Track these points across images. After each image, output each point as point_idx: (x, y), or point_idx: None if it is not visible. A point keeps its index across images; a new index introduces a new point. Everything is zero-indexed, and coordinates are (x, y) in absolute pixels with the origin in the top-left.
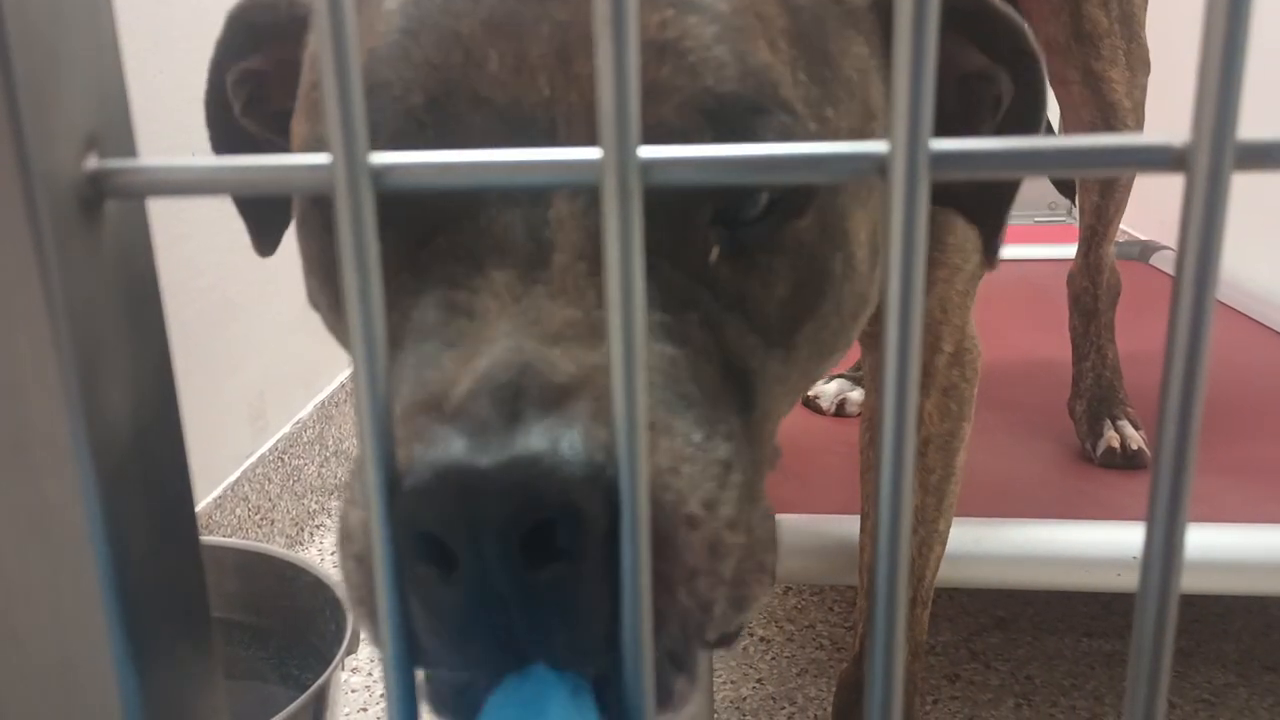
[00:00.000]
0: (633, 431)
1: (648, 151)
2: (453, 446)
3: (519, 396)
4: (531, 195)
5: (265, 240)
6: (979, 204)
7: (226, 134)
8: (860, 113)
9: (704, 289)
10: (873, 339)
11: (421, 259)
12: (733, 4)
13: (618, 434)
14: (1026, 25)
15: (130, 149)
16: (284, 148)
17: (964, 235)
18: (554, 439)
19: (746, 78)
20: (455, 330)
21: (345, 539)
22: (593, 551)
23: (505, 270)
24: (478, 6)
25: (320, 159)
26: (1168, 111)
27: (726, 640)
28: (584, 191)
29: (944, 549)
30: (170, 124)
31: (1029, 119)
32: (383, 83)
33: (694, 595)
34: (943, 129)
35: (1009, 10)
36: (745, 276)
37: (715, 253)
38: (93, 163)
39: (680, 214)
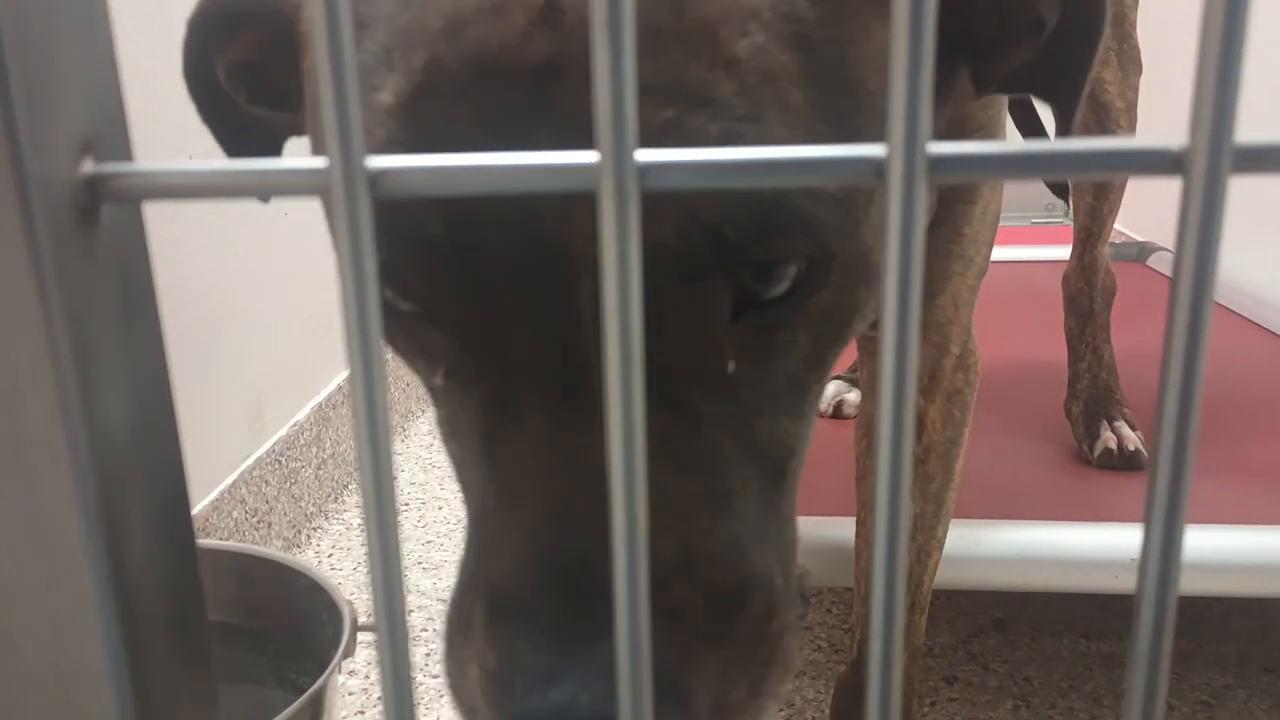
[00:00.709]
0: (630, 455)
1: (645, 155)
2: (544, 693)
3: (584, 598)
4: (554, 303)
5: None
6: (1051, 77)
7: (229, 125)
8: (881, 123)
9: (721, 373)
10: (872, 344)
11: (473, 389)
12: (741, 80)
13: (613, 490)
14: None
15: (127, 153)
16: (297, 122)
17: (980, 225)
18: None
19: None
20: (504, 491)
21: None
22: None
23: (540, 415)
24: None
25: (317, 163)
26: (1160, 112)
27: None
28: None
29: (941, 554)
30: (167, 127)
31: (1082, 41)
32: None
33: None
34: (975, 57)
35: None
36: (768, 354)
37: (731, 364)
38: (89, 167)
39: (697, 308)
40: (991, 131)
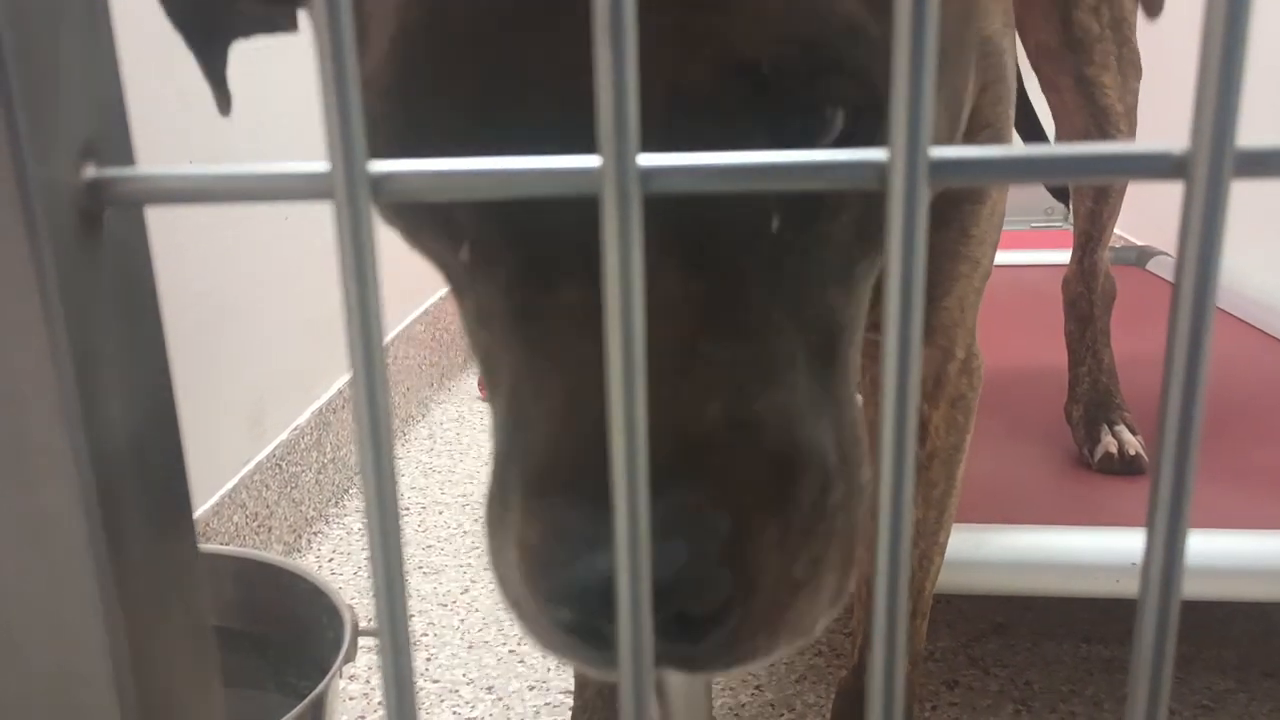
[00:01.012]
0: (631, 458)
1: (647, 159)
2: (587, 556)
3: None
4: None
5: (222, 89)
6: None
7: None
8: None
9: (767, 240)
10: (872, 348)
11: (499, 272)
12: None
13: (615, 476)
14: (1023, 44)
15: (129, 158)
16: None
17: (987, 225)
18: (676, 555)
19: (800, 25)
20: (539, 366)
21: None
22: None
23: (573, 285)
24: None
25: (318, 167)
26: (1160, 116)
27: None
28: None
29: (943, 560)
30: (169, 131)
31: None
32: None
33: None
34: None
35: None
36: (814, 215)
37: (775, 222)
38: (91, 172)
39: (726, 224)
40: (999, 129)
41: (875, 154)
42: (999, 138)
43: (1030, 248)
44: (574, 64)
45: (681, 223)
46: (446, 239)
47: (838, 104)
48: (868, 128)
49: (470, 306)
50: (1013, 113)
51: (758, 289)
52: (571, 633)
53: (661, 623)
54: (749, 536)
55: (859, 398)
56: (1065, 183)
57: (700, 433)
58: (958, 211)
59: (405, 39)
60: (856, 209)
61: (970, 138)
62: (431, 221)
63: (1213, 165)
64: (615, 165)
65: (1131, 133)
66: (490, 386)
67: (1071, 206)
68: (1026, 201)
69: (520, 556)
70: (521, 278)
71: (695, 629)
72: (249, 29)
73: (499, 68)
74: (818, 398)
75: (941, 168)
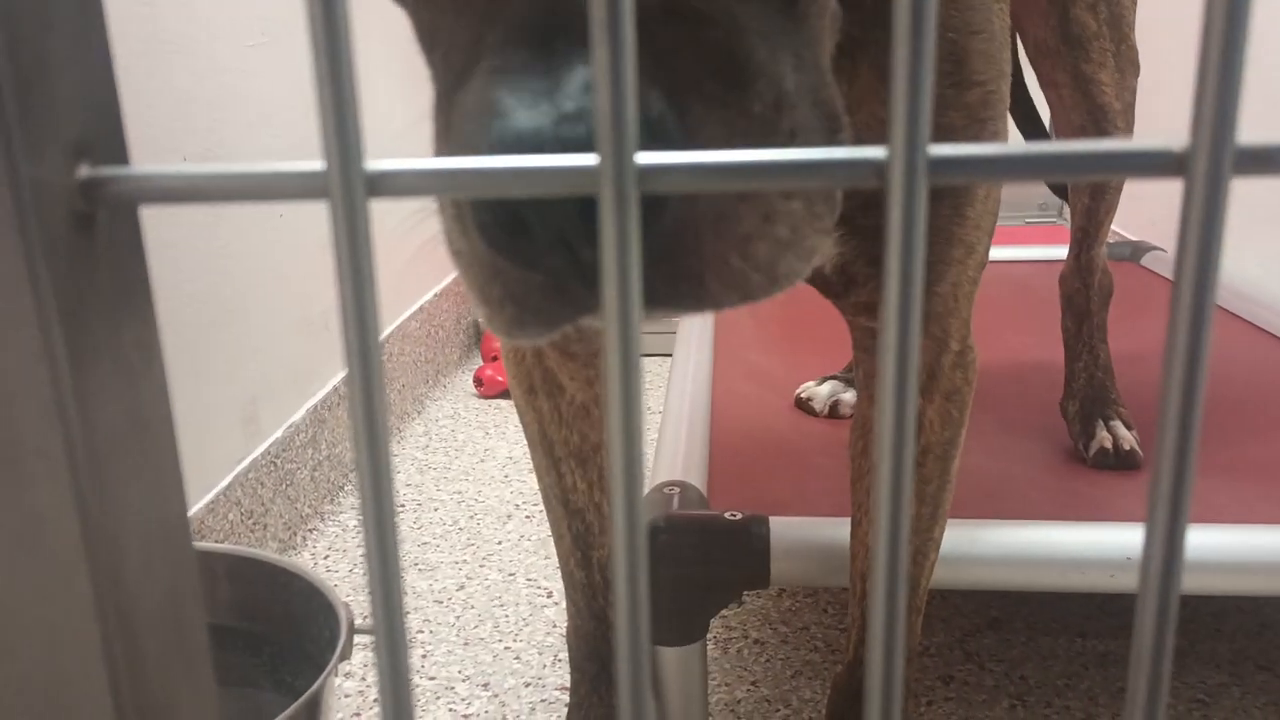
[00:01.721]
0: (631, 460)
1: (645, 157)
2: (513, 115)
3: (555, 42)
4: None
5: None
6: None
7: None
8: None
9: None
10: (868, 341)
11: None
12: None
13: (613, 493)
14: (1021, 42)
15: (122, 157)
16: None
17: (982, 209)
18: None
19: None
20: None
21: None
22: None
23: None
24: None
25: (314, 166)
26: (1157, 113)
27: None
28: None
29: (937, 555)
30: (161, 129)
31: None
32: None
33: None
34: None
35: None
36: None
37: None
38: (84, 172)
39: None
40: (991, 88)
41: (874, 151)
42: (990, 102)
43: (1024, 243)
44: None
45: None
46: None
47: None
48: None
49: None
50: (1007, 85)
51: None
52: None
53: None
54: (687, 114)
55: (851, 393)
56: (1064, 180)
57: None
58: (950, 190)
59: None
60: None
61: (960, 93)
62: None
63: (1213, 162)
64: (613, 164)
65: (1129, 130)
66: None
67: (1068, 202)
68: (1021, 197)
69: (460, 129)
70: None
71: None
72: None
73: None
74: (773, 26)
75: (940, 165)
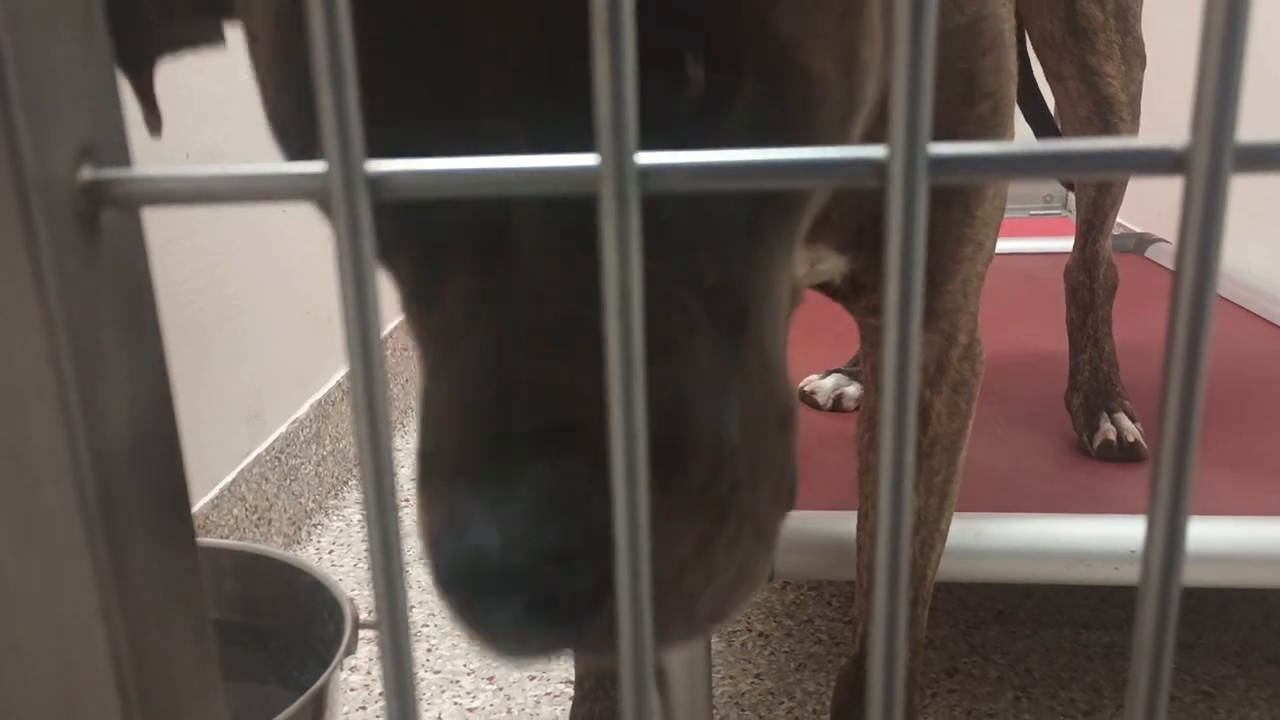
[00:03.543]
0: (631, 460)
1: (645, 158)
2: (464, 537)
3: (511, 446)
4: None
5: (150, 107)
6: None
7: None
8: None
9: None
10: (874, 335)
11: (399, 253)
12: None
13: (615, 479)
14: (1028, 34)
15: (126, 159)
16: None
17: (991, 207)
18: (546, 526)
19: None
20: (438, 352)
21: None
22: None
23: (467, 275)
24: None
25: (316, 167)
26: (1164, 106)
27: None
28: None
29: (944, 547)
30: (166, 128)
31: None
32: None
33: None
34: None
35: None
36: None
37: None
38: (88, 173)
39: None
40: (1000, 99)
41: (874, 151)
42: (1000, 108)
43: (1029, 235)
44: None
45: (553, 214)
46: (390, 254)
47: (696, 57)
48: (729, 74)
49: (399, 296)
50: (1014, 85)
51: (647, 258)
52: (467, 619)
53: (529, 605)
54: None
55: (855, 387)
56: (1064, 178)
57: (575, 410)
58: (961, 191)
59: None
60: None
61: (971, 108)
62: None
63: (1213, 161)
64: (613, 164)
65: (1135, 123)
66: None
67: (1074, 194)
68: (1026, 189)
69: (423, 544)
70: (419, 266)
71: (570, 611)
72: (175, 46)
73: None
74: (719, 373)
75: (940, 164)
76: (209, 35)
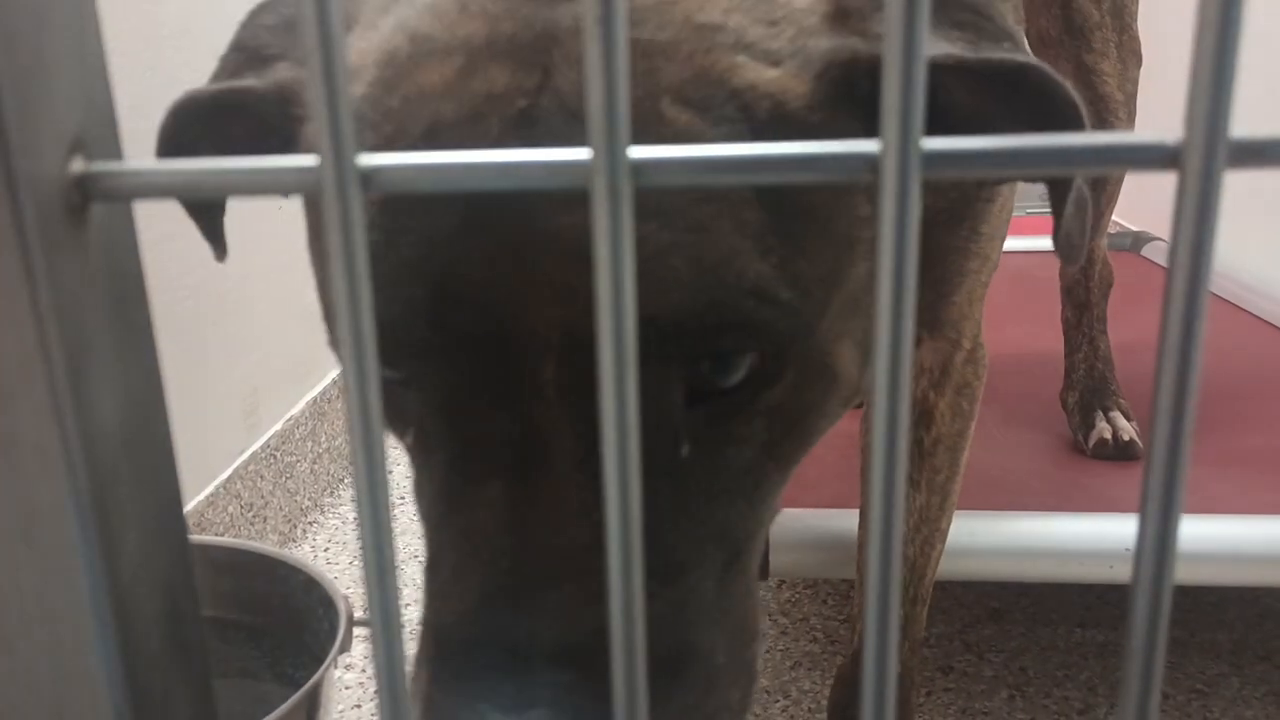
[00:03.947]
0: (624, 454)
1: (638, 151)
2: None
3: (515, 660)
4: (519, 379)
5: (218, 242)
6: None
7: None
8: (842, 239)
9: (676, 462)
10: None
11: (434, 450)
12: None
13: (609, 506)
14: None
15: (116, 152)
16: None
17: (996, 223)
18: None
19: (704, 291)
20: (461, 549)
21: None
22: None
23: (499, 482)
24: (453, 206)
25: (308, 160)
26: (1160, 104)
27: None
28: (572, 375)
29: (944, 546)
30: (157, 126)
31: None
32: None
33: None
34: None
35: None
36: (723, 443)
37: (685, 448)
38: (78, 166)
39: (651, 392)
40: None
41: (867, 145)
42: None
43: (1025, 233)
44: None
45: (591, 431)
46: (398, 424)
47: (743, 352)
48: (775, 367)
49: (415, 479)
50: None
51: (663, 505)
52: None
53: None
54: None
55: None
56: (1058, 174)
57: (586, 628)
58: (970, 209)
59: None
60: (765, 436)
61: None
62: (386, 405)
63: (1206, 156)
64: (606, 158)
65: (1130, 121)
66: (425, 545)
67: None
68: (1022, 187)
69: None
70: (454, 468)
71: None
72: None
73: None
74: (713, 594)
75: (934, 158)
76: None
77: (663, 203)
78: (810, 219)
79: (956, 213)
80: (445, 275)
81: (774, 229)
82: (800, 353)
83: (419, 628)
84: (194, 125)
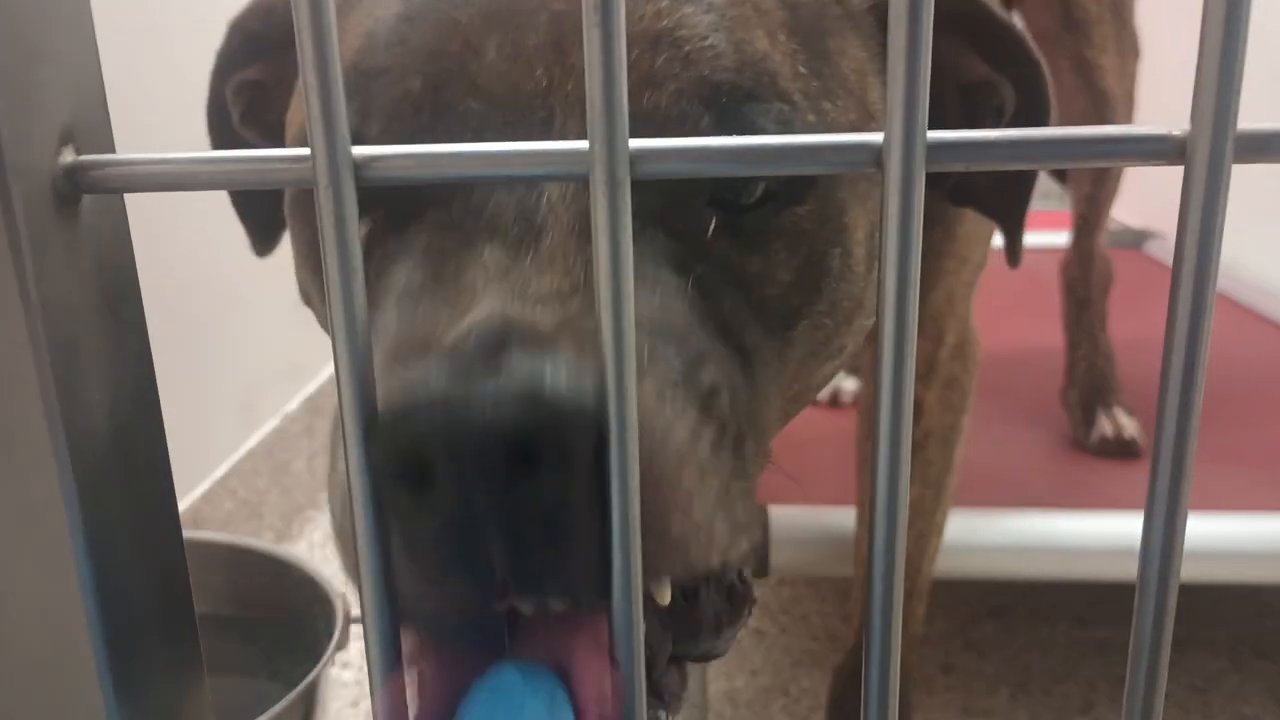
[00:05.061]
0: (623, 432)
1: (637, 143)
2: (435, 375)
3: (504, 342)
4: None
5: (264, 241)
6: (999, 200)
7: (228, 144)
8: (859, 111)
9: (699, 261)
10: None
11: (409, 232)
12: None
13: (609, 405)
14: (1022, 27)
15: (108, 144)
16: None
17: (975, 225)
18: (537, 370)
19: (744, 67)
20: (441, 293)
21: (332, 512)
22: (576, 477)
23: (495, 245)
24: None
25: (301, 152)
26: (1157, 98)
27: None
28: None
29: (940, 541)
30: (159, 117)
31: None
32: (380, 67)
33: (664, 524)
34: None
35: (1009, 19)
36: (743, 258)
37: (712, 227)
38: (69, 157)
39: (675, 193)
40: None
41: (872, 137)
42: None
43: (1026, 229)
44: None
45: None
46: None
47: (768, 120)
48: (795, 188)
49: (383, 272)
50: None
51: (682, 302)
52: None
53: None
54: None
55: (851, 381)
56: (1063, 165)
57: (579, 326)
58: (944, 212)
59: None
60: (781, 278)
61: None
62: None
63: (1213, 149)
64: (605, 148)
65: (1129, 116)
66: (381, 326)
67: (1068, 188)
68: None
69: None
70: (435, 242)
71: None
72: None
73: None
74: (709, 450)
75: (938, 150)
76: None
77: None
78: (837, 72)
79: (930, 215)
80: (462, 60)
81: (804, 60)
82: (821, 189)
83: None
84: (245, 44)
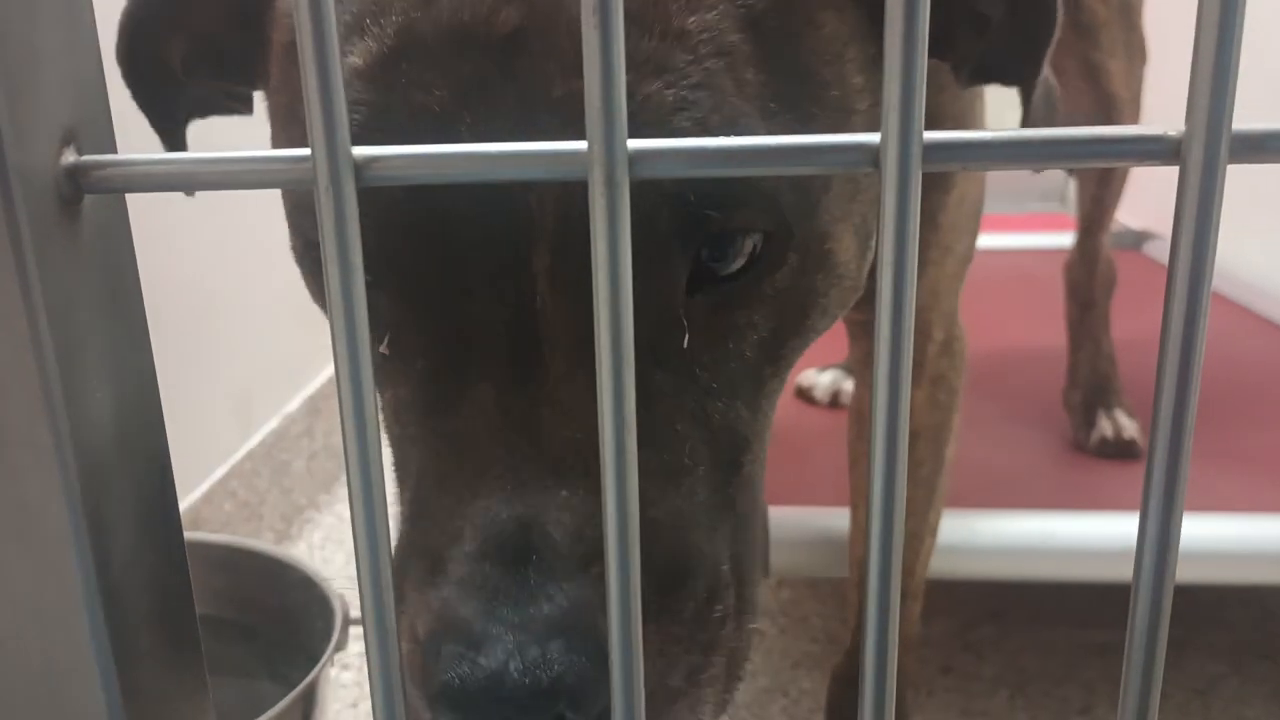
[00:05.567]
0: (620, 441)
1: (635, 143)
2: (473, 661)
3: (523, 562)
4: (509, 270)
5: (171, 139)
6: (1014, 70)
7: (150, 87)
8: (838, 108)
9: (678, 354)
10: (861, 327)
11: (403, 342)
12: (693, 50)
13: (606, 503)
14: None
15: (109, 144)
16: (238, 100)
17: (956, 213)
18: (566, 656)
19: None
20: (448, 458)
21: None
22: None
23: (490, 384)
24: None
25: (301, 153)
26: (1166, 102)
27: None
28: (568, 265)
29: (934, 541)
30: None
31: (1034, 29)
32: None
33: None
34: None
35: None
36: (724, 333)
37: (686, 338)
38: (70, 158)
39: (654, 279)
40: (965, 124)
41: (868, 138)
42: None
43: (1026, 231)
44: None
45: (587, 326)
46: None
47: (745, 232)
48: (777, 251)
49: (388, 397)
50: (979, 105)
51: (663, 399)
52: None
53: None
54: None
55: (853, 382)
56: (1059, 166)
57: (590, 535)
58: (925, 201)
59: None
60: (765, 329)
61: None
62: None
63: (1208, 149)
64: (603, 149)
65: (1136, 120)
66: (398, 477)
67: (1074, 187)
68: (1023, 185)
69: (408, 650)
70: (437, 373)
71: None
72: (204, 110)
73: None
74: (716, 507)
75: (935, 150)
76: (237, 105)
77: (664, 60)
78: (807, 83)
79: None
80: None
81: (774, 92)
82: (802, 236)
83: (395, 549)
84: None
